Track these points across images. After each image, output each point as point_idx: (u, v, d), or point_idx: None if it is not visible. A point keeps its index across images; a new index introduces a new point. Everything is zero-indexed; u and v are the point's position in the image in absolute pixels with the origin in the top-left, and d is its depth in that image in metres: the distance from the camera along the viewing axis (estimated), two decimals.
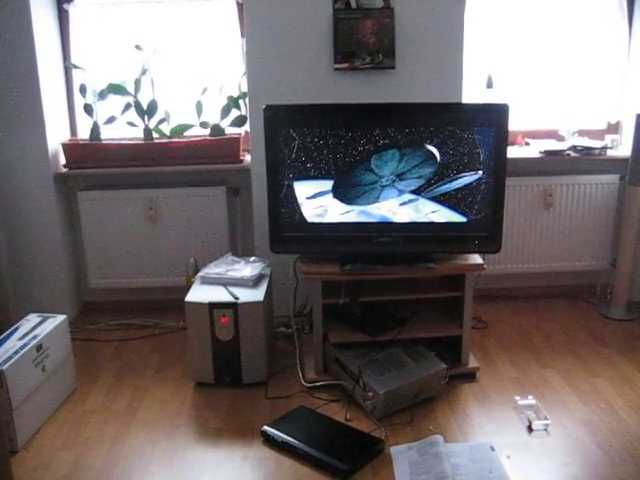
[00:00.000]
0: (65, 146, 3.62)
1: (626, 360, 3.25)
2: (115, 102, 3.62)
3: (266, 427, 2.69)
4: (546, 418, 2.73)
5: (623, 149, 3.77)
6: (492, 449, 2.56)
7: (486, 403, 2.91)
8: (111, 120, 3.65)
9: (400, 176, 2.96)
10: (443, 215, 2.99)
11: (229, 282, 3.15)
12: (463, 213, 2.98)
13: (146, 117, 3.62)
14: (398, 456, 2.53)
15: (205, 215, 3.70)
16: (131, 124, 3.65)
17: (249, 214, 3.69)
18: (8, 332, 2.83)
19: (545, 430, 2.70)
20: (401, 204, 2.99)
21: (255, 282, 3.15)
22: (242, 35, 3.54)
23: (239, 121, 3.67)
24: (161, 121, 3.66)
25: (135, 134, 3.67)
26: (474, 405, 2.90)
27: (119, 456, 2.59)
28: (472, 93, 3.60)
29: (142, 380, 3.16)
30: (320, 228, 3.03)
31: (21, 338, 2.78)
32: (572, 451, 2.56)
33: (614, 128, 3.87)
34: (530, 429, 2.71)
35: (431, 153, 2.93)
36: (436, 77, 3.42)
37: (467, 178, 2.95)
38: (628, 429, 2.69)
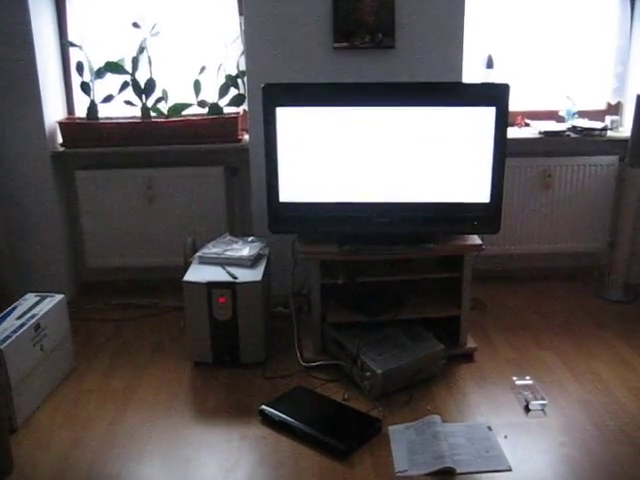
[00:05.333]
0: (62, 125, 3.59)
1: (623, 342, 3.26)
2: (112, 80, 3.59)
3: (264, 406, 2.70)
4: (543, 398, 2.75)
5: (624, 130, 3.76)
6: (489, 429, 2.58)
7: (484, 383, 2.92)
8: (108, 99, 3.62)
9: (399, 155, 2.95)
10: (442, 195, 2.98)
11: (227, 262, 3.15)
12: (462, 194, 2.97)
13: (144, 96, 3.60)
14: (396, 436, 2.55)
15: (203, 195, 3.69)
16: (129, 103, 3.62)
17: (247, 194, 3.67)
18: (6, 311, 2.82)
19: (542, 410, 2.71)
20: (400, 184, 2.98)
21: (253, 262, 3.15)
22: (241, 13, 3.51)
23: (237, 100, 3.64)
24: (159, 100, 3.64)
25: (133, 113, 3.64)
26: (472, 385, 2.91)
27: (117, 435, 2.60)
28: (472, 73, 3.58)
29: (140, 360, 3.17)
30: (318, 208, 3.02)
31: (19, 317, 2.78)
32: (568, 431, 2.58)
33: (614, 109, 3.85)
34: (527, 409, 2.72)
35: (429, 133, 2.92)
36: (436, 57, 3.39)
37: (466, 158, 2.94)
38: (624, 409, 2.71)
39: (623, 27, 3.67)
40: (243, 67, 3.51)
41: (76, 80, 3.65)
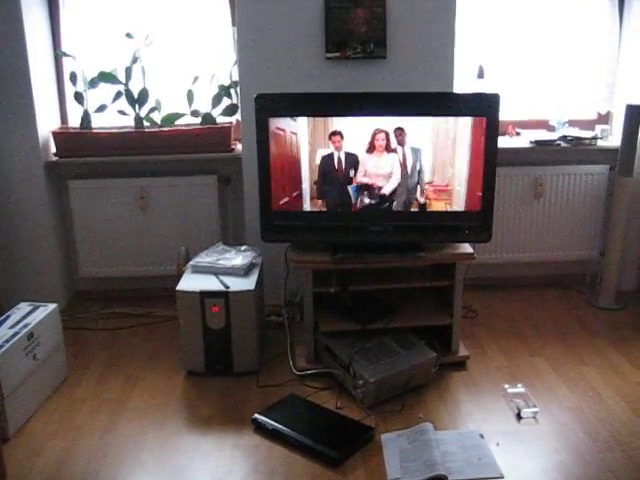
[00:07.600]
0: (55, 134, 3.60)
1: (614, 349, 3.27)
2: (106, 90, 3.60)
3: (257, 415, 2.70)
4: (535, 406, 2.76)
5: (614, 139, 3.79)
6: (481, 436, 2.59)
7: (476, 391, 2.93)
8: (102, 108, 3.63)
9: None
10: (434, 204, 3.00)
11: (220, 271, 3.15)
12: (454, 203, 2.99)
13: (137, 106, 3.61)
14: (388, 443, 2.55)
15: (196, 204, 3.70)
16: (122, 112, 3.63)
17: (240, 203, 3.69)
18: None
19: (534, 418, 2.72)
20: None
21: (246, 271, 3.15)
22: (233, 24, 3.53)
23: (230, 110, 3.66)
24: (152, 110, 3.65)
25: (126, 123, 3.65)
26: (464, 393, 2.92)
27: (110, 444, 2.60)
28: (463, 83, 3.61)
29: (133, 369, 3.17)
30: (311, 217, 3.03)
31: (12, 326, 2.77)
32: (560, 438, 2.59)
33: (604, 118, 3.88)
34: (519, 417, 2.73)
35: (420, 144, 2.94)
36: (427, 67, 3.41)
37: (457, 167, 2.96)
38: (615, 416, 2.72)
39: (612, 37, 3.71)
40: (236, 77, 3.53)
41: (69, 90, 3.66)
